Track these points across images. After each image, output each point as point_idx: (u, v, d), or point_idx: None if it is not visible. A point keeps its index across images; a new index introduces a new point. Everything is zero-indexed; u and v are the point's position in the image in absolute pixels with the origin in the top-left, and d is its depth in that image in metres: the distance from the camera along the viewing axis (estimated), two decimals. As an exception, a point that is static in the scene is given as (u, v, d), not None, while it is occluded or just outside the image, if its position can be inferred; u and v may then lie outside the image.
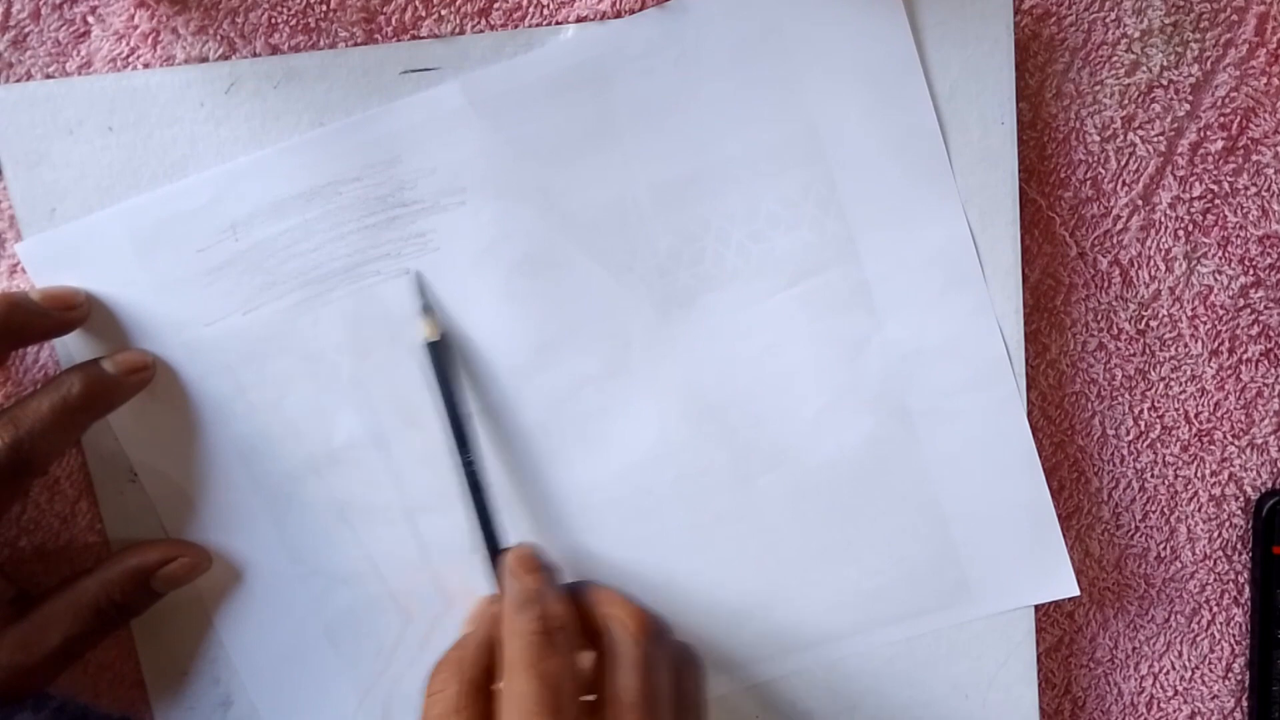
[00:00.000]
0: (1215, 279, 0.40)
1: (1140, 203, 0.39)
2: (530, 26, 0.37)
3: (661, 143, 0.37)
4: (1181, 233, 0.40)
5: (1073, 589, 0.40)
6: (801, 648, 0.40)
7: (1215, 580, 0.42)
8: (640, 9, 0.37)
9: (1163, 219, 0.40)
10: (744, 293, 0.38)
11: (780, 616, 0.40)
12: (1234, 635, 0.42)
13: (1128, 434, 0.41)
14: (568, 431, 0.39)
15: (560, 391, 0.38)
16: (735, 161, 0.37)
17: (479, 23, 0.37)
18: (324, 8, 0.36)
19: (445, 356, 0.37)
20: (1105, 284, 0.40)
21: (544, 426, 0.38)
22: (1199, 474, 0.41)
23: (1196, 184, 0.39)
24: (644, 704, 0.32)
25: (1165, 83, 0.39)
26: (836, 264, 0.38)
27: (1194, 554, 0.42)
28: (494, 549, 0.37)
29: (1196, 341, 0.40)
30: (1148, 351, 0.40)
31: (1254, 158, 0.39)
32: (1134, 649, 0.42)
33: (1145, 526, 0.42)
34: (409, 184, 0.37)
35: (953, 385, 0.39)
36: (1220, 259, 0.40)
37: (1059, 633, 0.42)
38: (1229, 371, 0.41)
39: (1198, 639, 0.42)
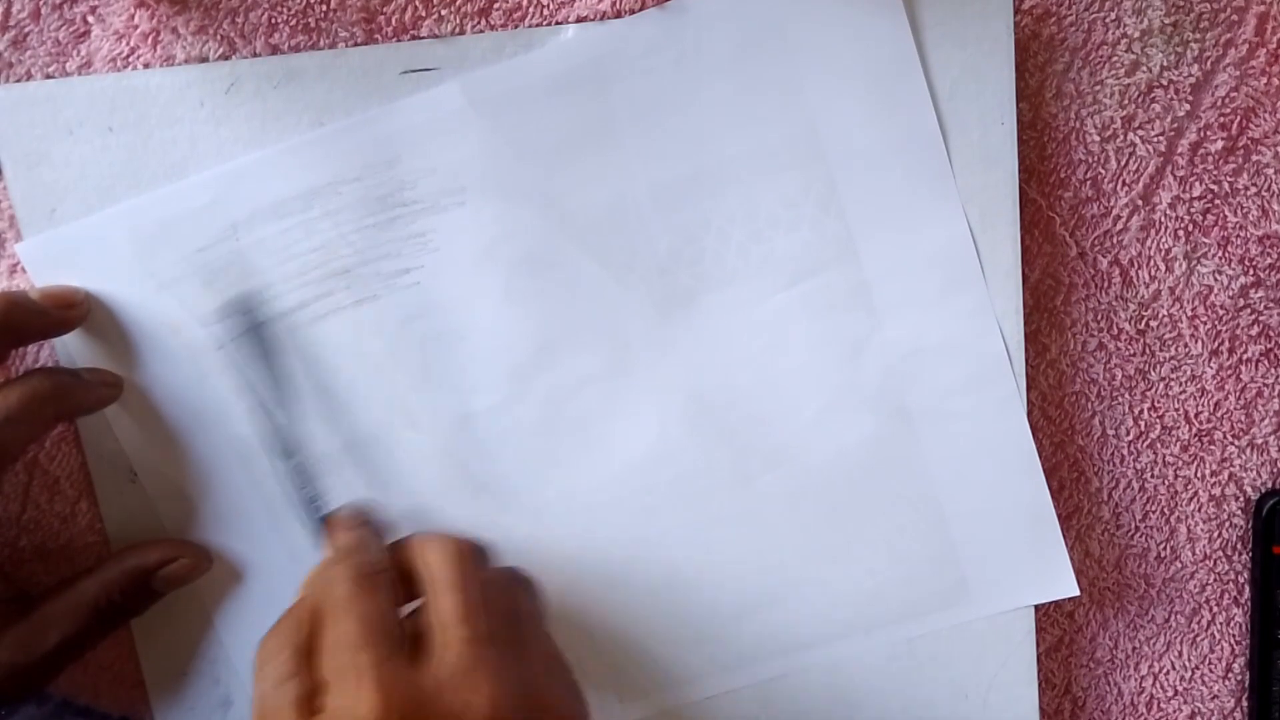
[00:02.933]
0: (1215, 279, 0.40)
1: (1140, 203, 0.39)
2: (530, 26, 0.37)
3: (662, 143, 0.37)
4: (1181, 233, 0.40)
5: (1073, 589, 0.40)
6: (801, 647, 0.40)
7: (1215, 580, 0.42)
8: (640, 9, 0.37)
9: (1163, 219, 0.40)
10: (744, 293, 0.38)
11: (780, 616, 0.40)
12: (1234, 635, 0.42)
13: (1128, 434, 0.41)
14: (568, 431, 0.39)
15: (560, 391, 0.38)
16: (735, 161, 0.37)
17: (479, 23, 0.37)
18: (324, 8, 0.36)
19: (252, 320, 0.36)
20: (1105, 284, 0.40)
21: (544, 426, 0.38)
22: (1199, 474, 0.41)
23: (1196, 184, 0.39)
24: (466, 620, 0.31)
25: (1165, 83, 0.39)
26: (836, 264, 0.38)
27: (1194, 554, 0.42)
28: (317, 515, 0.36)
29: (1196, 341, 0.40)
30: (1148, 351, 0.40)
31: (1254, 158, 0.39)
32: (1134, 649, 0.42)
33: (1145, 526, 0.42)
34: (409, 184, 0.37)
35: (953, 385, 0.39)
36: (1220, 259, 0.40)
37: (1059, 633, 0.42)
38: (1229, 371, 0.41)
39: (1198, 639, 0.42)
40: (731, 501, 0.39)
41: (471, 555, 0.33)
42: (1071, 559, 0.40)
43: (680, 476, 0.39)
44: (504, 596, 0.33)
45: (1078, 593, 0.40)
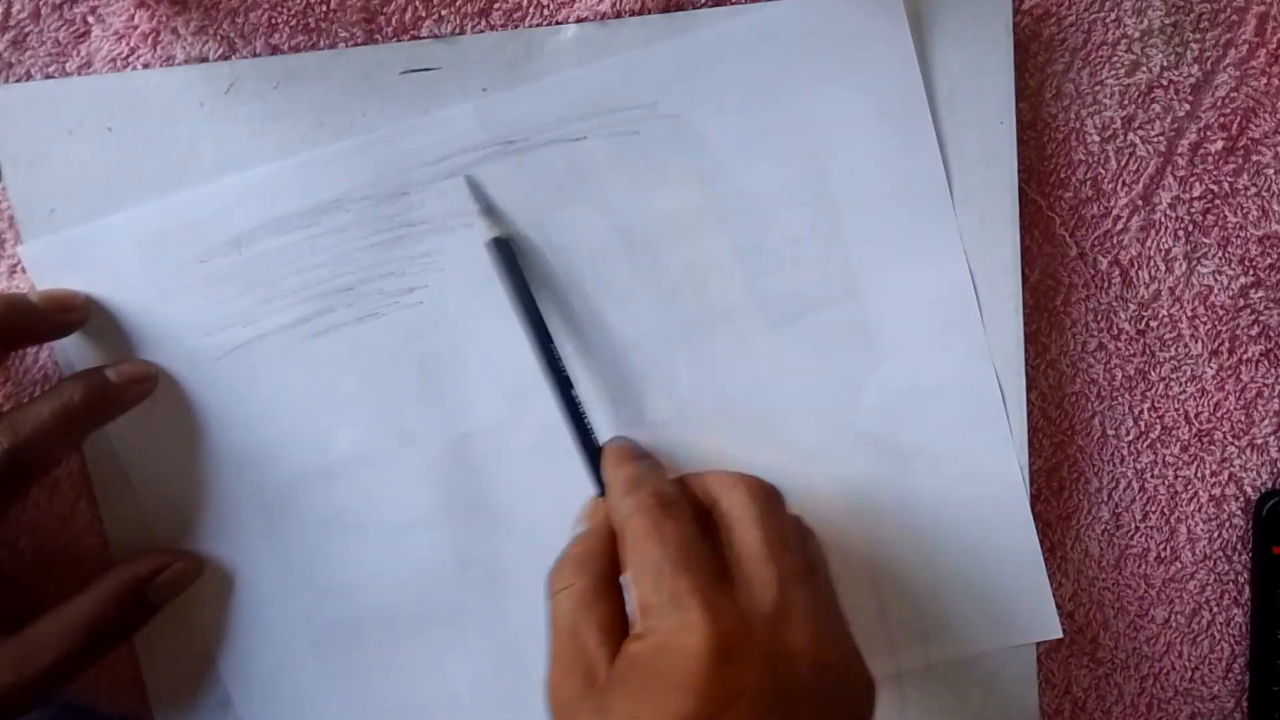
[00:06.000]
0: (1215, 279, 0.40)
1: (1140, 203, 0.39)
2: (530, 26, 0.37)
3: (670, 175, 0.37)
4: (1181, 233, 0.40)
5: (1056, 632, 0.40)
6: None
7: (1215, 580, 0.42)
8: (640, 10, 0.37)
9: (1163, 219, 0.40)
10: (744, 326, 0.38)
11: None
12: (1234, 635, 0.42)
13: (1128, 434, 0.41)
14: (563, 454, 0.38)
15: (557, 415, 0.38)
16: (742, 196, 0.38)
17: (479, 23, 0.37)
18: (324, 8, 0.36)
19: (512, 254, 0.36)
20: (1105, 284, 0.40)
21: (540, 448, 0.38)
22: (1199, 474, 0.41)
23: (1196, 184, 0.39)
24: (776, 558, 0.31)
25: (1165, 83, 0.39)
26: (837, 302, 0.38)
27: (1194, 554, 0.42)
28: (590, 446, 0.36)
29: (1196, 341, 0.40)
30: (1148, 351, 0.40)
31: (1254, 158, 0.39)
32: (1134, 649, 0.42)
33: (1145, 526, 0.42)
34: (417, 204, 0.37)
35: (947, 427, 0.39)
36: (1220, 259, 0.40)
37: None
38: (1229, 371, 0.41)
39: (1198, 639, 0.42)
40: None
41: (771, 495, 0.33)
42: (1071, 559, 0.40)
43: None
44: (802, 542, 0.33)
45: (1060, 635, 0.40)
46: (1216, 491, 0.41)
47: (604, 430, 0.38)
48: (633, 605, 0.31)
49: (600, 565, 0.32)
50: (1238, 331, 0.40)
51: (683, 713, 0.28)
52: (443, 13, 0.37)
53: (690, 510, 0.32)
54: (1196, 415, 0.41)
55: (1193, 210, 0.40)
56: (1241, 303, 0.40)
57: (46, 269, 0.36)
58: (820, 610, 0.31)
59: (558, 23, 0.37)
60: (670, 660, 0.29)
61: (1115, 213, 0.39)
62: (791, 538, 0.32)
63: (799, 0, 0.37)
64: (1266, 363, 0.41)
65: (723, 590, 0.30)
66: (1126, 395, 0.41)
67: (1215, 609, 0.42)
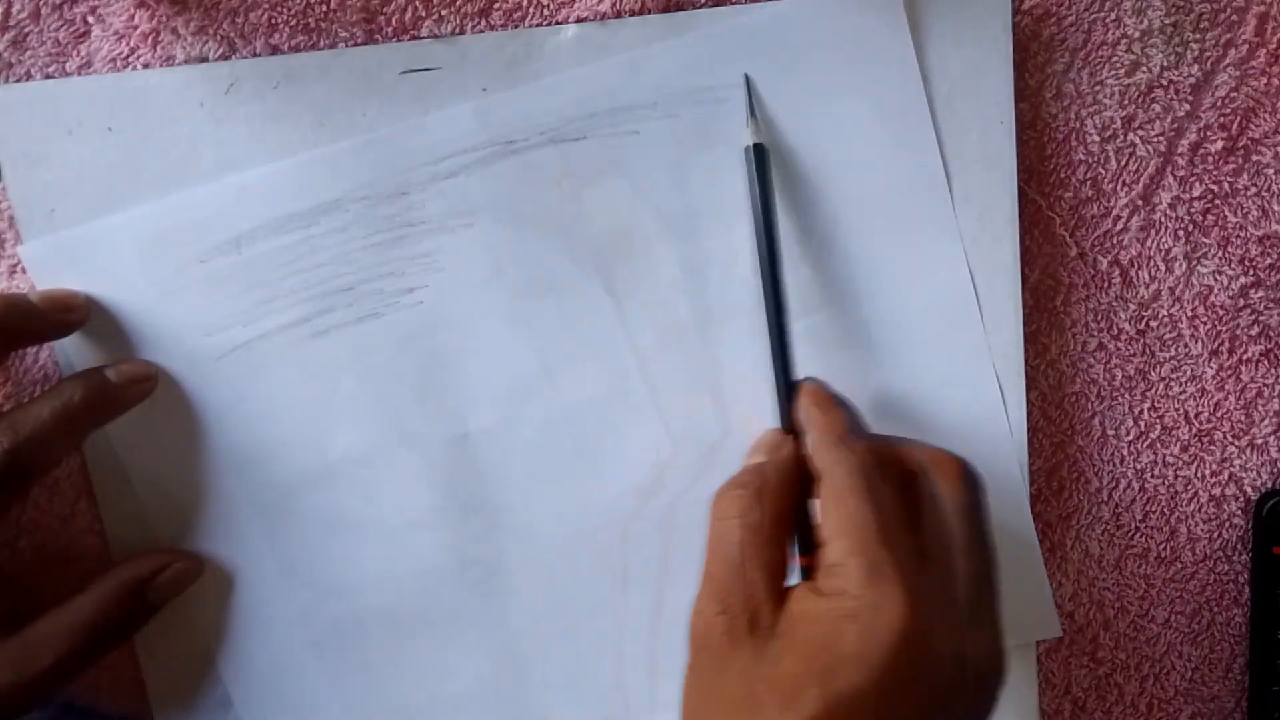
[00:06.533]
0: (1215, 279, 0.40)
1: (1140, 203, 0.39)
2: (530, 26, 0.37)
3: (670, 174, 0.37)
4: (1181, 233, 0.40)
5: (1055, 631, 0.41)
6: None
7: (1215, 580, 0.42)
8: (640, 10, 0.37)
9: (1163, 219, 0.40)
10: (744, 326, 0.38)
11: None
12: (1234, 635, 0.42)
13: (1128, 434, 0.41)
14: (563, 454, 0.38)
15: (558, 414, 0.38)
16: (741, 196, 0.37)
17: (479, 23, 0.37)
18: (324, 8, 0.36)
19: (764, 164, 0.36)
20: (1105, 284, 0.40)
21: (540, 448, 0.38)
22: (1199, 474, 0.41)
23: (1196, 184, 0.39)
24: (976, 551, 0.30)
25: (1165, 83, 0.39)
26: (837, 302, 0.38)
27: (1194, 554, 0.42)
28: (788, 379, 0.35)
29: (1196, 341, 0.40)
30: (1148, 351, 0.40)
31: (1254, 158, 0.39)
32: (1134, 649, 0.42)
33: (1145, 526, 0.42)
34: (417, 204, 0.37)
35: (946, 427, 0.39)
36: (1220, 259, 0.40)
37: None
38: (1229, 371, 0.41)
39: (1198, 639, 0.42)
40: None
41: (981, 487, 0.32)
42: (1071, 559, 0.40)
43: (674, 505, 0.39)
44: (993, 543, 0.32)
45: (1060, 634, 0.41)
46: (1216, 491, 0.41)
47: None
48: (825, 556, 0.30)
49: (777, 503, 0.31)
50: (1238, 331, 0.40)
51: (856, 686, 0.27)
52: (443, 13, 0.37)
53: (898, 476, 0.32)
54: (1196, 415, 0.41)
55: (1193, 210, 0.40)
56: (1241, 303, 0.40)
57: (46, 269, 0.36)
58: (998, 618, 0.31)
59: (558, 23, 0.37)
60: (856, 630, 0.28)
61: (1115, 213, 0.40)
62: (990, 536, 0.32)
63: (799, 0, 0.37)
64: (1266, 363, 0.41)
65: (923, 572, 0.29)
66: (1126, 395, 0.41)
67: (1215, 609, 0.42)
